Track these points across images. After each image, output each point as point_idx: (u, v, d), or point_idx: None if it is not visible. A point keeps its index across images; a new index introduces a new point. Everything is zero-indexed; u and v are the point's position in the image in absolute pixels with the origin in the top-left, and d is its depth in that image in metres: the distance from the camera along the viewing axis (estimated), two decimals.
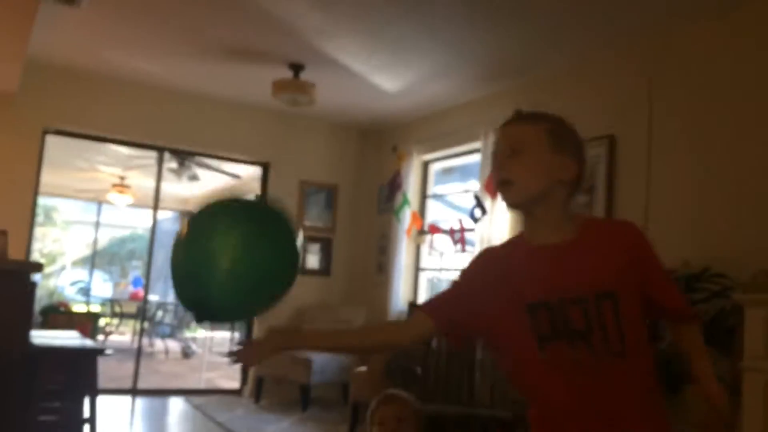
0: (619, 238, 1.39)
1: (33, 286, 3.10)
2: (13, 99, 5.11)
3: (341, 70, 4.92)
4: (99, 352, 3.45)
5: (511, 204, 1.42)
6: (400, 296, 5.82)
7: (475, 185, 5.25)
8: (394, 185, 5.98)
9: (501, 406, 4.00)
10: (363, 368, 4.93)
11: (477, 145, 5.16)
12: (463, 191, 5.86)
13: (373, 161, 6.59)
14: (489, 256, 1.51)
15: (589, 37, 4.08)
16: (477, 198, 4.98)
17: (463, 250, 5.31)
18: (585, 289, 1.33)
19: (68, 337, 3.81)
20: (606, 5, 3.63)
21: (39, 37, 4.28)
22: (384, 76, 5.08)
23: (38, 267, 3.20)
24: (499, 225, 4.83)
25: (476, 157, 5.24)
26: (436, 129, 5.78)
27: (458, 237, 5.31)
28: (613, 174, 4.09)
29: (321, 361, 5.47)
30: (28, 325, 3.06)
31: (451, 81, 5.09)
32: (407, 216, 5.85)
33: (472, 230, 5.13)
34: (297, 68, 4.92)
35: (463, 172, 5.93)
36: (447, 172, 6.16)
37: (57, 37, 4.67)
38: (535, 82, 4.80)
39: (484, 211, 4.90)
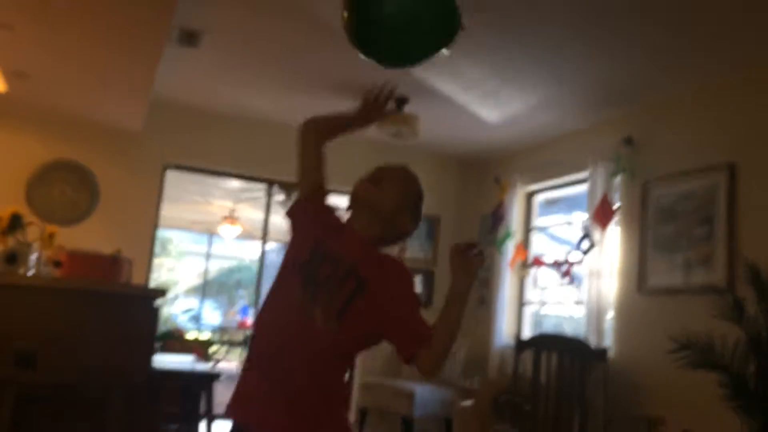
0: (394, 268, 1.81)
1: (156, 311, 3.27)
2: (138, 137, 5.50)
3: (444, 102, 4.96)
4: (215, 377, 3.58)
5: (357, 196, 1.85)
6: (503, 330, 5.70)
7: (581, 216, 5.12)
8: (497, 216, 5.91)
9: None
10: (468, 403, 4.86)
11: (584, 174, 5.04)
12: (567, 223, 5.72)
13: (474, 192, 6.57)
14: (334, 212, 2.01)
15: (708, 61, 3.92)
16: (585, 229, 4.84)
17: (571, 283, 5.16)
18: (346, 260, 1.71)
19: (185, 361, 3.99)
20: (729, 28, 3.49)
21: (161, 77, 4.59)
22: (487, 108, 5.08)
23: (162, 293, 3.38)
24: (608, 257, 4.66)
25: (583, 187, 5.11)
26: (540, 159, 5.69)
27: (565, 270, 5.17)
28: (734, 204, 3.87)
29: (423, 393, 5.43)
30: (152, 349, 3.22)
31: (557, 110, 5.01)
32: (510, 248, 5.76)
33: (579, 263, 4.99)
34: (401, 101, 5.01)
35: (568, 203, 5.79)
36: (550, 203, 6.03)
37: (178, 77, 4.99)
38: (645, 108, 4.65)
39: (592, 243, 4.75)
